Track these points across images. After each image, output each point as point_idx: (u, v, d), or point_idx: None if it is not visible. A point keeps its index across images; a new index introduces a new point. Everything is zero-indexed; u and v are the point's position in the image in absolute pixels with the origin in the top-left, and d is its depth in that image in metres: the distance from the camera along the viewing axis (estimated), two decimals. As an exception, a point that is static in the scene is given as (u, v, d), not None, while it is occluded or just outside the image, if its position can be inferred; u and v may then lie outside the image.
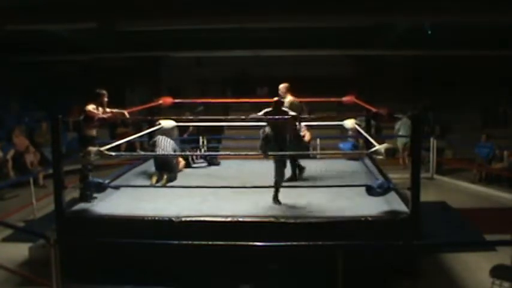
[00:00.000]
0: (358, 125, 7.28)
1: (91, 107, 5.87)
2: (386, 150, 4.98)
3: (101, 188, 5.34)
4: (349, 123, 7.56)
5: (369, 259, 4.50)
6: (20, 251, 5.69)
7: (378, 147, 5.13)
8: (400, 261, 4.72)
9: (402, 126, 10.39)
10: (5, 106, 12.12)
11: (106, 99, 6.03)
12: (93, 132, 5.92)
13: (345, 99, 7.89)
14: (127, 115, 6.43)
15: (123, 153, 9.30)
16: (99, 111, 5.90)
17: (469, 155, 10.76)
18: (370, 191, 5.07)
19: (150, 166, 7.35)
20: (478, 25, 9.93)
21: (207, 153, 8.84)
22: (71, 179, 7.57)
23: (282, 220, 4.77)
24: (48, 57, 12.41)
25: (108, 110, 6.00)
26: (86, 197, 5.51)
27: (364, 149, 7.77)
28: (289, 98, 6.70)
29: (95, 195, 5.51)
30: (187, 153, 8.04)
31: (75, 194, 6.48)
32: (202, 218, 4.87)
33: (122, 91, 14.12)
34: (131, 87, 14.60)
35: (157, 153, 6.81)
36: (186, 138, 9.17)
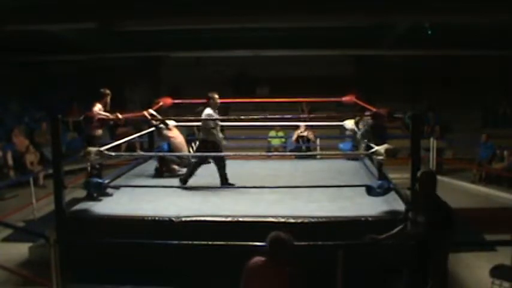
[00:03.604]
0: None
1: (97, 108, 5.88)
2: (387, 150, 4.98)
3: (101, 188, 5.34)
4: (350, 123, 7.57)
5: (369, 259, 4.49)
6: (20, 251, 5.70)
7: (378, 147, 5.13)
8: (399, 261, 4.71)
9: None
10: (5, 106, 12.12)
11: (109, 99, 6.05)
12: (99, 132, 5.93)
13: (345, 99, 7.90)
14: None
15: (123, 153, 9.30)
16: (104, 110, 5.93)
17: (469, 155, 10.76)
18: (370, 191, 5.06)
19: (150, 166, 7.35)
20: (478, 25, 9.93)
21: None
22: (71, 179, 7.60)
23: (282, 220, 4.77)
24: (48, 57, 12.42)
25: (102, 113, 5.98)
26: (92, 196, 5.52)
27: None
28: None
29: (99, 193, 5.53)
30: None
31: (75, 194, 6.49)
32: (202, 218, 4.87)
33: (122, 91, 14.12)
34: (131, 87, 14.60)
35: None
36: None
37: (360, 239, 3.81)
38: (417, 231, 3.47)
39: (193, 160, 6.54)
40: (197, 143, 8.60)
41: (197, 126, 8.99)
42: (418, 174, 3.59)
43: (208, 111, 6.20)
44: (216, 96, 6.31)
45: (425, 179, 3.54)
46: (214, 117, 6.20)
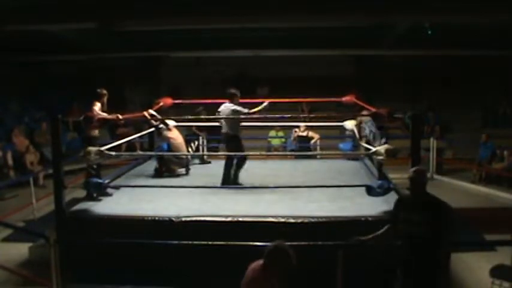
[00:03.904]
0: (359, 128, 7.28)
1: (97, 107, 5.89)
2: (387, 150, 4.97)
3: (101, 188, 5.34)
4: (350, 124, 7.57)
5: (369, 259, 4.50)
6: (20, 251, 5.70)
7: (378, 147, 5.14)
8: (400, 261, 4.71)
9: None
10: (5, 106, 12.12)
11: (106, 99, 6.06)
12: (96, 132, 5.94)
13: (345, 99, 7.90)
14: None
15: (123, 153, 9.30)
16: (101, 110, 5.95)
17: (469, 155, 10.77)
18: (370, 191, 5.06)
19: (150, 166, 7.35)
20: (478, 25, 9.94)
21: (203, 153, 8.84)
22: (71, 179, 7.60)
23: (282, 220, 4.77)
24: (48, 57, 12.42)
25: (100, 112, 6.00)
26: (92, 196, 5.52)
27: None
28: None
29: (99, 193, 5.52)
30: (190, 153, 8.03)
31: (75, 194, 6.49)
32: (202, 218, 4.87)
33: (122, 91, 14.13)
34: (131, 87, 14.61)
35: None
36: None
37: (346, 240, 3.79)
38: (412, 230, 3.44)
39: (235, 159, 6.34)
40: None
41: (197, 126, 9.01)
42: (411, 172, 3.56)
43: (235, 107, 6.19)
44: (239, 93, 6.32)
45: (421, 177, 3.52)
46: (244, 112, 6.19)
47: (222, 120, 6.35)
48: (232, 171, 6.26)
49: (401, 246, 3.56)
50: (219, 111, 6.39)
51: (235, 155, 6.22)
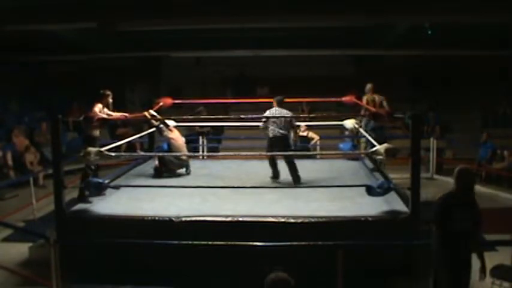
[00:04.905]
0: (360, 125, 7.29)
1: (97, 108, 5.90)
2: (387, 150, 4.98)
3: (101, 188, 5.34)
4: (349, 123, 7.58)
5: (369, 259, 4.50)
6: (20, 251, 5.70)
7: (377, 147, 5.14)
8: (400, 261, 4.71)
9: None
10: (5, 106, 12.12)
11: (111, 99, 6.07)
12: (97, 132, 5.95)
13: (345, 99, 7.91)
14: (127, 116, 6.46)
15: (123, 153, 9.29)
16: (105, 111, 5.95)
17: (469, 155, 10.76)
18: (370, 191, 5.06)
19: (149, 166, 7.35)
20: (478, 25, 9.94)
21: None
22: (71, 179, 7.60)
23: (282, 220, 4.77)
24: (48, 57, 12.42)
25: (109, 112, 6.04)
26: (84, 197, 5.52)
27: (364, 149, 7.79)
28: None
29: (92, 197, 5.51)
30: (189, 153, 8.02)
31: (75, 194, 6.49)
32: (202, 218, 4.87)
33: (122, 91, 14.12)
34: (131, 87, 14.61)
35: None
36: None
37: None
38: (465, 226, 3.56)
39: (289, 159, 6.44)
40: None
41: (200, 126, 9.01)
42: (466, 171, 3.67)
43: (290, 112, 6.38)
44: None
45: (474, 176, 3.70)
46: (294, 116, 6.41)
47: (276, 123, 6.35)
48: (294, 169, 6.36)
49: (451, 244, 3.66)
50: (269, 115, 6.39)
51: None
